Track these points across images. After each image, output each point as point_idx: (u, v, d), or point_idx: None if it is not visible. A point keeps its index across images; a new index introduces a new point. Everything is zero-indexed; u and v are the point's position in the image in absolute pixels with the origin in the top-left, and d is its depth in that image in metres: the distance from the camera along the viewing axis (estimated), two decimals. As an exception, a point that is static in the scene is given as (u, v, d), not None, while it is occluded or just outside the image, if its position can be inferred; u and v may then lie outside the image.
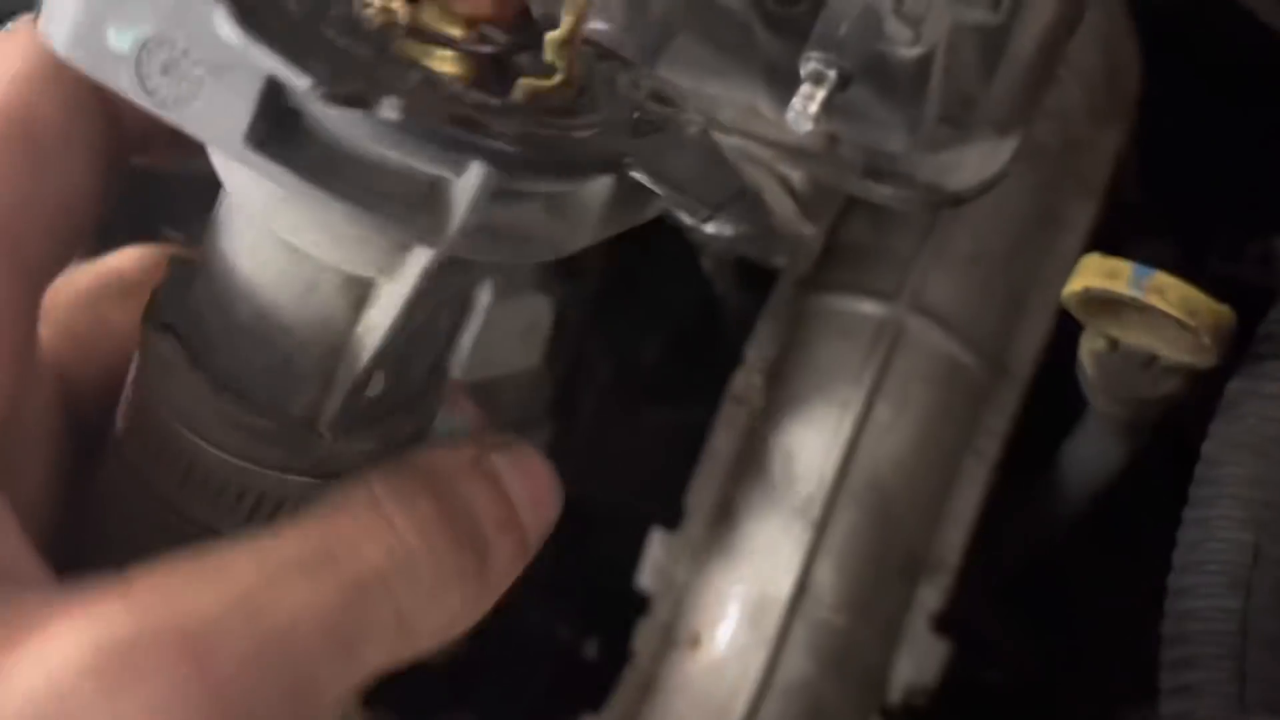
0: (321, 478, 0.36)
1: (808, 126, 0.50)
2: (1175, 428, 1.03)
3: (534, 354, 0.78)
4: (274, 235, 0.33)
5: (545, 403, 0.94)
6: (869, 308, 0.81)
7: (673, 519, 0.88)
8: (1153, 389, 0.57)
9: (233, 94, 0.29)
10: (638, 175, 0.33)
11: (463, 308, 0.40)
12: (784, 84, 0.60)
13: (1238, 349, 1.11)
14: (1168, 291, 0.49)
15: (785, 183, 0.69)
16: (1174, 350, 0.53)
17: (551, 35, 0.33)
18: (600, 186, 0.33)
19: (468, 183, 0.30)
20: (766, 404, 0.85)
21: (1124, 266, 0.51)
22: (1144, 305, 0.50)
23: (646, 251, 0.98)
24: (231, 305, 0.35)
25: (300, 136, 0.30)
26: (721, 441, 0.88)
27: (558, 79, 0.33)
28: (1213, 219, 1.33)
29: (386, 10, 0.31)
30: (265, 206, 0.33)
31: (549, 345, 0.88)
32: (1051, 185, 0.87)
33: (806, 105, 0.49)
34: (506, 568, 0.38)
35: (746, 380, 0.88)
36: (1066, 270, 0.89)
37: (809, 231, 0.71)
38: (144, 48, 0.29)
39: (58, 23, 0.30)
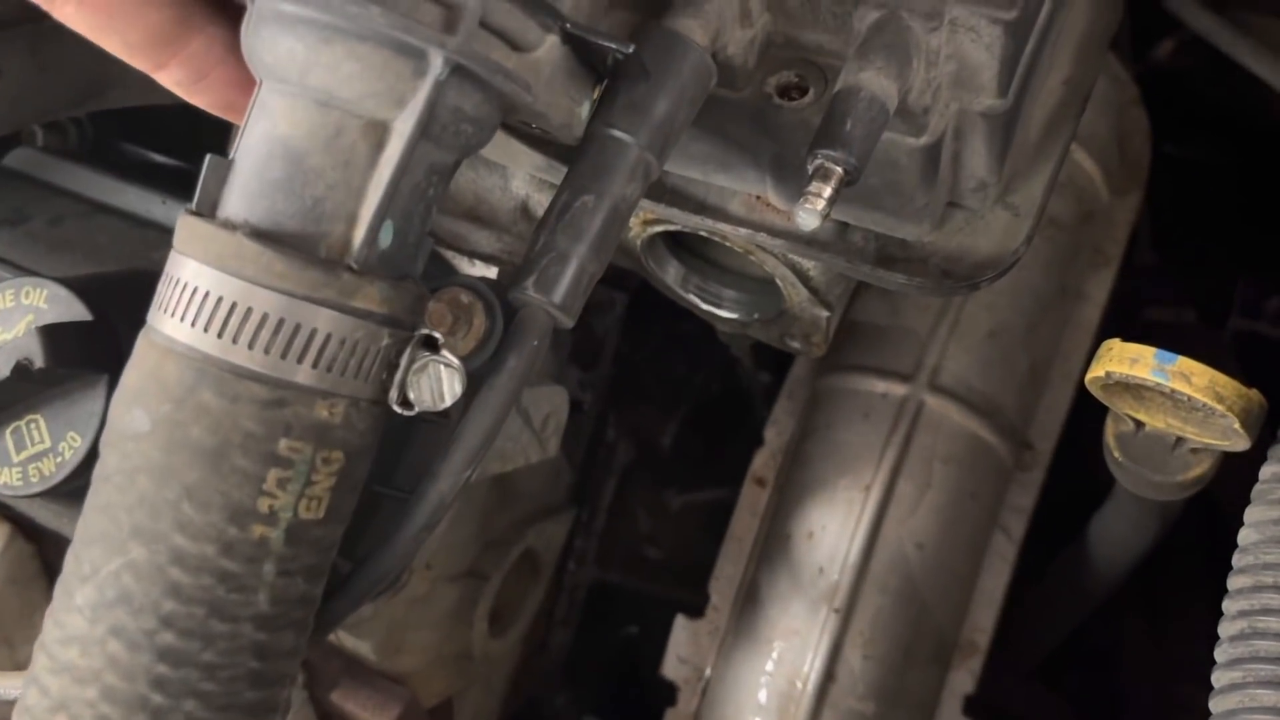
0: (345, 314, 0.43)
1: (815, 223, 0.49)
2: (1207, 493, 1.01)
3: (552, 445, 0.77)
4: (307, 94, 0.42)
5: (566, 490, 0.93)
6: (887, 388, 0.80)
7: (698, 604, 0.87)
8: (1182, 471, 0.56)
9: None
10: (579, 32, 0.46)
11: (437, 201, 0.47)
12: (792, 175, 0.59)
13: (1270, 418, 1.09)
14: (1194, 377, 0.48)
15: (798, 269, 0.69)
16: (1202, 434, 0.52)
17: None
18: (550, 47, 0.46)
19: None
20: (788, 486, 0.84)
21: (1147, 352, 0.50)
22: (1170, 391, 0.49)
23: (662, 334, 0.98)
24: (268, 166, 0.43)
25: None
26: (743, 525, 0.87)
27: None
28: (1231, 276, 1.32)
29: None
30: (306, 59, 0.42)
31: (567, 433, 0.87)
32: (1068, 258, 0.86)
33: (814, 202, 0.49)
34: None
35: (767, 462, 0.87)
36: (1086, 341, 0.89)
37: (823, 316, 0.71)
38: None
39: None
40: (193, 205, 0.44)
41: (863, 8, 0.52)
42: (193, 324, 0.42)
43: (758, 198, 0.65)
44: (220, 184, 0.44)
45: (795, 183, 0.58)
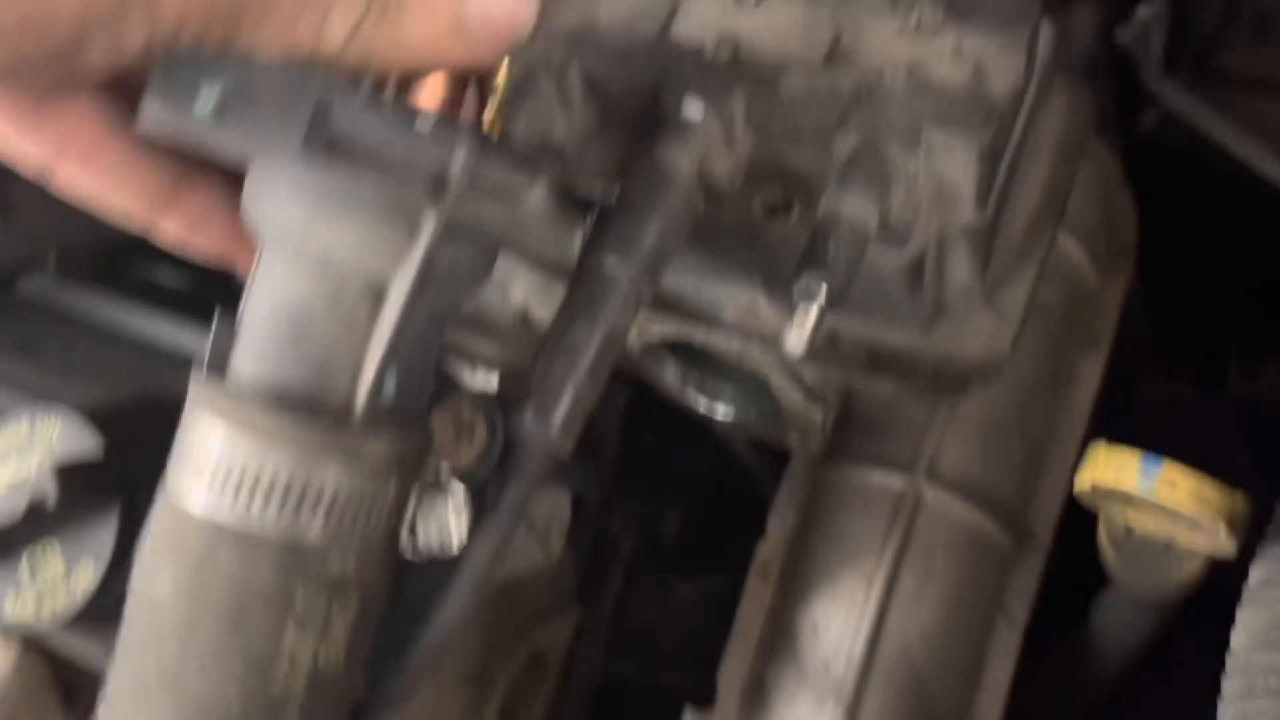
0: (353, 466, 0.44)
1: (803, 349, 0.51)
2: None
3: (555, 548, 0.78)
4: (307, 259, 0.45)
5: (571, 587, 0.94)
6: (886, 479, 0.81)
7: (705, 696, 0.87)
8: (1175, 573, 0.57)
9: (292, 117, 0.41)
10: (564, 178, 0.50)
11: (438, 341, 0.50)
12: (782, 284, 0.61)
13: (1265, 474, 1.10)
14: (1178, 485, 0.50)
15: (790, 370, 0.70)
16: (1191, 537, 0.53)
17: (487, 113, 0.49)
18: (538, 197, 0.47)
19: (458, 161, 0.43)
20: (792, 579, 0.85)
21: (1131, 459, 0.51)
22: (1155, 500, 0.50)
23: (664, 422, 0.99)
24: (273, 328, 0.45)
25: (339, 146, 0.42)
26: (749, 618, 0.87)
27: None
28: (1227, 344, 1.33)
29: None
30: (305, 226, 0.44)
31: (570, 530, 0.88)
32: (1060, 343, 0.87)
33: (800, 329, 0.51)
34: (423, 41, 0.43)
35: (769, 554, 0.88)
36: (1081, 424, 0.90)
37: (818, 415, 0.72)
38: (223, 101, 0.41)
39: (154, 100, 0.42)
40: (204, 364, 0.46)
41: (842, 133, 0.54)
42: (208, 487, 0.43)
43: (750, 307, 0.67)
44: (229, 344, 0.46)
45: (785, 293, 0.60)
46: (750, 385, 0.77)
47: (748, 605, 0.87)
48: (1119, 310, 0.96)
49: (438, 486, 0.48)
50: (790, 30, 0.59)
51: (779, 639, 0.83)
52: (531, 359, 0.51)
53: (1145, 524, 0.54)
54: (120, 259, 0.77)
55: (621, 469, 0.99)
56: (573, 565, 0.92)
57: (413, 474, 0.48)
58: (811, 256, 0.51)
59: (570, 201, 0.50)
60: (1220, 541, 0.51)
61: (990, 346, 0.62)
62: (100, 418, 0.59)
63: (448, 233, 0.45)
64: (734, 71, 0.57)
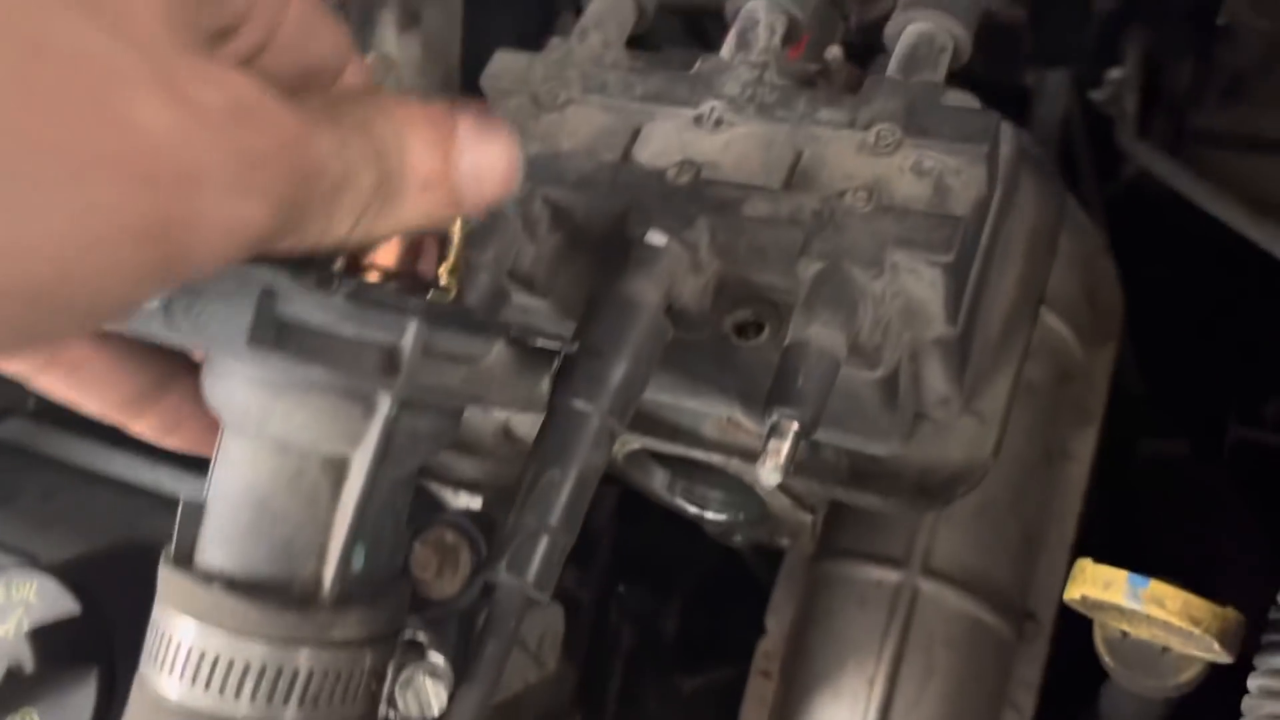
0: (325, 648, 0.44)
1: (777, 480, 0.50)
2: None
3: (550, 661, 0.77)
4: (267, 440, 0.44)
5: (570, 692, 0.92)
6: (881, 574, 0.80)
7: (713, 797, 0.86)
8: (1173, 675, 0.56)
9: (238, 309, 0.40)
10: (521, 335, 0.47)
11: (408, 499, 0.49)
12: (758, 402, 0.61)
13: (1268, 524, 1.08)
14: (1167, 601, 0.49)
15: (777, 478, 0.70)
16: (1185, 647, 0.52)
17: (444, 266, 0.47)
18: (498, 353, 0.46)
19: (408, 337, 0.42)
20: (793, 679, 0.84)
21: (1119, 576, 0.50)
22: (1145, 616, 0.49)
23: (657, 514, 0.98)
24: (237, 511, 0.44)
25: (287, 334, 0.41)
26: (752, 717, 0.86)
27: (451, 295, 0.47)
28: (1223, 390, 1.32)
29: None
30: (260, 410, 0.43)
31: (566, 636, 0.87)
32: (1049, 421, 0.87)
33: (773, 460, 0.50)
34: (420, 215, 0.42)
35: (770, 651, 0.86)
36: (1077, 502, 0.89)
37: (806, 520, 0.71)
38: (171, 297, 0.40)
39: None
40: (171, 551, 0.45)
41: (805, 259, 0.53)
42: (180, 677, 0.43)
43: (729, 419, 0.67)
44: (195, 529, 0.45)
45: (762, 410, 0.59)
46: (738, 490, 0.76)
47: (751, 704, 0.86)
48: (1108, 380, 0.95)
49: (415, 654, 0.48)
50: (750, 151, 0.58)
51: (783, 740, 0.82)
52: (506, 512, 0.51)
53: (1139, 630, 0.53)
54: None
55: (618, 562, 0.98)
56: (571, 672, 0.90)
57: (387, 647, 0.47)
58: (781, 391, 0.51)
59: (533, 350, 0.50)
60: (1215, 652, 0.51)
61: (973, 452, 0.62)
62: (77, 576, 0.59)
63: (405, 406, 0.44)
64: (696, 196, 0.57)
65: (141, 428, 0.50)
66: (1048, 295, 0.90)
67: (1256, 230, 0.94)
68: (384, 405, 0.44)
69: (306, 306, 0.41)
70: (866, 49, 0.70)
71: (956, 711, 0.78)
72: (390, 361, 0.43)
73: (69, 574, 0.60)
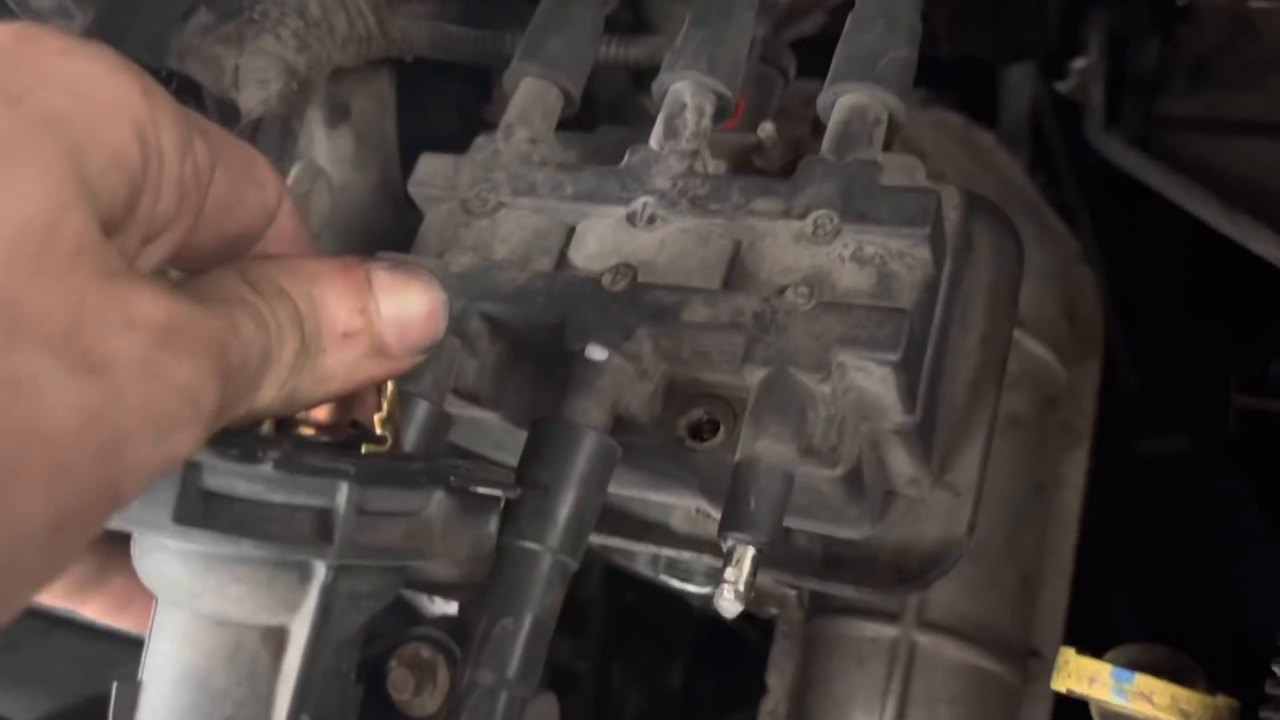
0: None
1: (738, 609, 0.48)
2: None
3: (548, 752, 0.76)
4: (200, 615, 0.43)
5: (577, 767, 0.91)
6: (877, 631, 0.78)
7: None
8: (1172, 748, 0.54)
9: (160, 486, 0.39)
10: (461, 484, 0.45)
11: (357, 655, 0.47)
12: (720, 491, 0.59)
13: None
14: (1155, 696, 0.47)
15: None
16: (1181, 725, 0.50)
17: (379, 415, 0.46)
18: (438, 503, 0.44)
19: (340, 500, 0.41)
20: (797, 741, 0.82)
21: (1103, 670, 0.48)
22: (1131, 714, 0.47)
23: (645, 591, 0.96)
24: (175, 691, 0.43)
25: (214, 506, 0.40)
26: (762, 780, 0.84)
27: (388, 444, 0.46)
28: (1220, 367, 1.30)
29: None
30: (192, 585, 0.42)
31: (568, 707, 0.86)
32: (1037, 452, 0.85)
33: (732, 588, 0.48)
34: (345, 370, 0.41)
35: (773, 710, 0.85)
36: (1073, 528, 0.87)
37: (791, 594, 0.70)
38: None
39: None
40: None
41: (750, 365, 0.51)
42: None
43: (697, 510, 0.65)
44: (131, 713, 0.44)
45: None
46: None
47: (759, 765, 0.84)
48: (1096, 394, 0.93)
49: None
50: (686, 249, 0.56)
51: (794, 804, 0.80)
52: (460, 665, 0.49)
53: (1135, 710, 0.51)
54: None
55: (615, 627, 0.96)
56: (575, 748, 0.89)
57: None
58: (733, 515, 0.49)
59: (478, 496, 0.48)
60: (1211, 735, 0.49)
61: (948, 527, 0.60)
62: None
63: (343, 570, 0.43)
64: (634, 303, 0.54)
65: (91, 610, 0.49)
66: (1024, 319, 0.88)
67: (1230, 224, 0.92)
68: (320, 572, 0.42)
69: (232, 478, 0.40)
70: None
71: (965, 766, 0.76)
72: (323, 527, 0.41)
73: (37, 744, 0.58)
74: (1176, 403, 1.23)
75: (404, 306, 0.43)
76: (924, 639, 0.77)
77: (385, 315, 0.43)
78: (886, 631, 0.78)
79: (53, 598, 0.48)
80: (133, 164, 0.35)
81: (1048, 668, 0.82)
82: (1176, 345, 1.28)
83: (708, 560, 0.64)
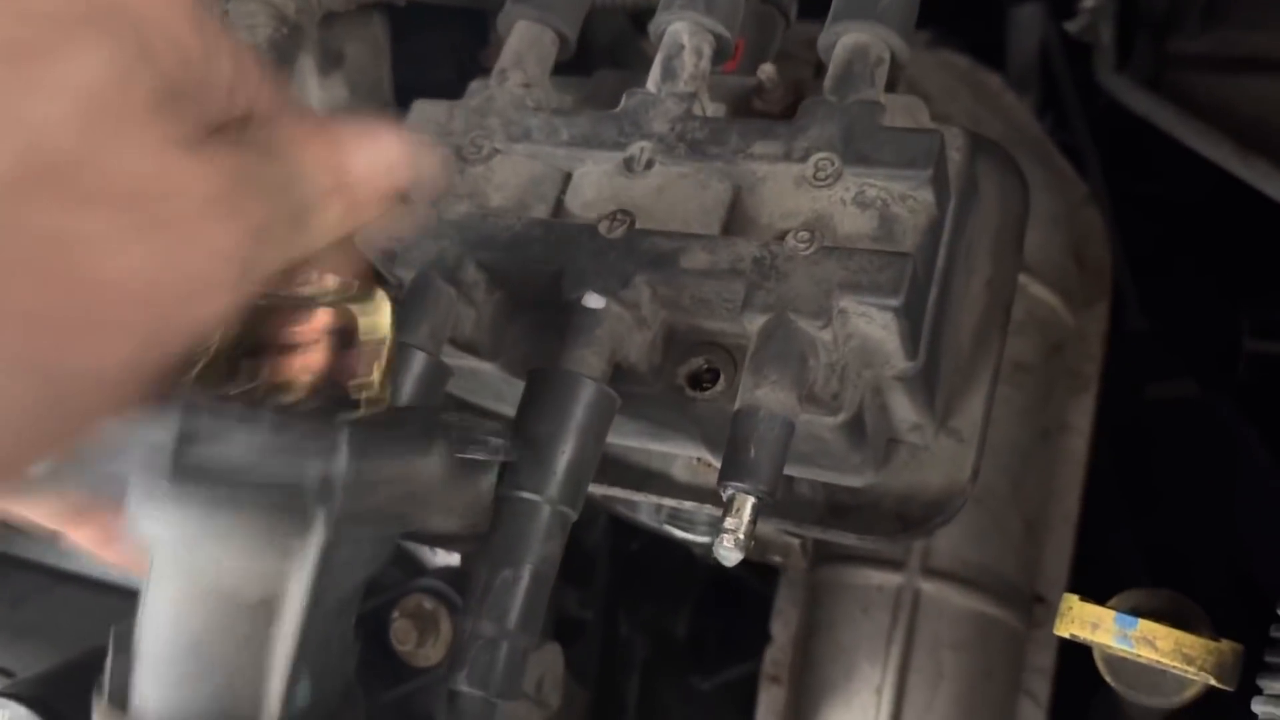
0: None
1: (738, 557, 0.48)
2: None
3: (553, 700, 0.76)
4: (196, 578, 0.42)
5: (583, 714, 0.92)
6: (882, 578, 0.78)
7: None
8: (1174, 695, 0.53)
9: (156, 453, 0.39)
10: (458, 450, 0.45)
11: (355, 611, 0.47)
12: (721, 440, 0.58)
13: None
14: (1159, 642, 0.46)
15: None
16: (1186, 672, 0.50)
17: (375, 374, 0.44)
18: (434, 460, 0.44)
19: (336, 463, 0.41)
20: (801, 689, 0.82)
21: (1107, 616, 0.48)
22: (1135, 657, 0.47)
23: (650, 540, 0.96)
24: (169, 655, 0.43)
25: (210, 469, 0.40)
26: (767, 725, 0.84)
27: (384, 404, 0.44)
28: (1227, 313, 1.28)
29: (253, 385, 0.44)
30: (187, 551, 0.42)
31: (575, 655, 0.86)
32: (1043, 398, 0.84)
33: (732, 536, 0.48)
34: (329, 226, 0.42)
35: (778, 658, 0.85)
36: (1079, 474, 0.86)
37: (795, 543, 0.69)
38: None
39: None
40: (103, 695, 0.43)
41: (749, 311, 0.51)
42: None
43: (698, 459, 0.64)
44: (127, 672, 0.43)
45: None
46: (723, 512, 0.74)
47: (763, 712, 0.84)
48: (1103, 339, 0.92)
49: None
50: (685, 194, 0.55)
51: (798, 751, 0.81)
52: (461, 616, 0.49)
53: (1140, 657, 0.51)
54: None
55: (620, 576, 0.96)
56: (580, 696, 0.89)
57: None
58: (733, 464, 0.48)
59: (473, 454, 0.47)
60: (1213, 684, 0.48)
61: (952, 474, 0.59)
62: (50, 696, 0.58)
63: (337, 534, 0.42)
64: (632, 250, 0.54)
65: (81, 537, 0.49)
66: (1031, 264, 0.86)
67: (1243, 166, 0.90)
68: (316, 536, 0.42)
69: (229, 437, 0.39)
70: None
71: (970, 711, 0.76)
72: (321, 490, 0.40)
73: (41, 696, 0.58)
74: (1185, 348, 1.22)
75: (374, 154, 0.43)
76: (928, 586, 0.77)
77: (358, 166, 0.43)
78: (891, 579, 0.78)
79: (50, 516, 0.47)
80: (191, 47, 0.37)
81: (1053, 613, 0.81)
82: (1185, 290, 1.27)
83: (710, 509, 0.63)
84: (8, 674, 0.65)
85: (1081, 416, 0.86)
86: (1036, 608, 0.81)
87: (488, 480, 0.48)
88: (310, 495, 0.41)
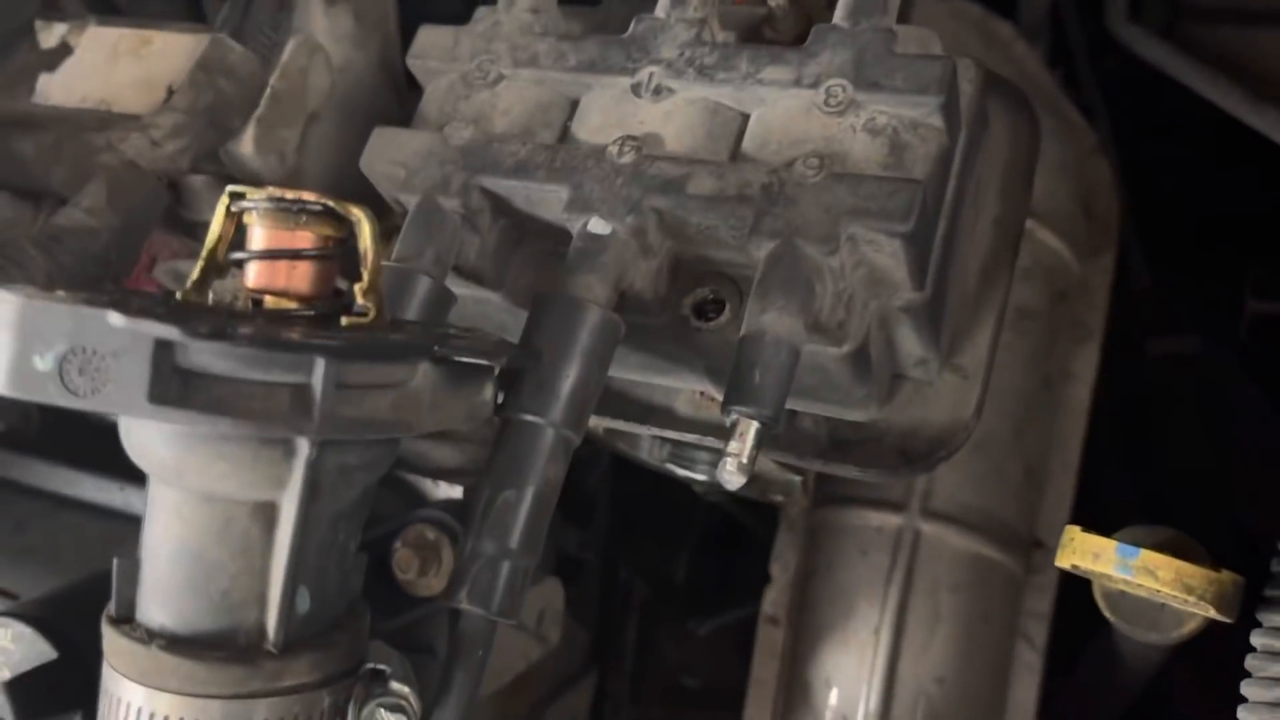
0: (279, 696, 0.43)
1: (741, 481, 0.48)
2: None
3: (553, 635, 0.76)
4: (189, 491, 0.42)
5: (583, 653, 0.92)
6: (881, 520, 0.78)
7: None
8: (1173, 629, 0.54)
9: (133, 366, 0.38)
10: (447, 354, 0.43)
11: (358, 525, 0.47)
12: (725, 372, 0.58)
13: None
14: (1159, 571, 0.46)
15: (760, 443, 0.67)
16: (1185, 604, 0.50)
17: (359, 286, 0.44)
18: (425, 373, 0.43)
19: (317, 376, 0.40)
20: (800, 629, 0.83)
21: (1108, 546, 0.48)
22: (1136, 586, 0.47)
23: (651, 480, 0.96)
24: (171, 566, 0.43)
25: (190, 385, 0.39)
26: (764, 666, 0.85)
27: (371, 315, 0.44)
28: (1232, 270, 1.28)
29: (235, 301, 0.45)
30: (177, 463, 0.42)
31: (575, 595, 0.86)
32: (1047, 345, 0.84)
33: (735, 460, 0.47)
34: None
35: (776, 599, 0.85)
36: (1081, 422, 0.86)
37: (795, 480, 0.69)
38: (63, 360, 0.38)
39: None
40: (111, 610, 0.44)
41: (757, 238, 0.50)
42: None
43: (701, 393, 0.64)
44: (132, 586, 0.44)
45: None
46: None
47: (761, 653, 0.85)
48: (1109, 289, 0.91)
49: (379, 684, 0.46)
50: (693, 120, 0.55)
51: (795, 693, 0.81)
52: (462, 536, 0.49)
53: (1137, 590, 0.51)
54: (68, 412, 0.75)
55: (621, 519, 0.96)
56: (581, 635, 0.90)
57: (346, 683, 0.45)
58: (738, 389, 0.48)
59: (467, 366, 0.47)
60: (1213, 615, 0.48)
61: (956, 411, 0.59)
62: (53, 617, 0.58)
63: (327, 444, 0.42)
64: (639, 176, 0.53)
65: None
66: (1039, 210, 0.86)
67: (1256, 116, 0.89)
68: (303, 448, 0.42)
69: (207, 355, 0.39)
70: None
71: (966, 653, 0.76)
72: (303, 402, 0.40)
73: (44, 617, 0.59)
74: (1189, 305, 1.21)
75: None
76: (928, 528, 0.77)
77: None
78: (891, 520, 0.78)
79: None
80: None
81: (1051, 559, 0.82)
82: (1191, 247, 1.26)
83: (711, 443, 0.63)
84: (10, 596, 0.65)
85: (1085, 365, 0.86)
86: (1035, 553, 0.82)
87: (486, 390, 0.48)
88: (291, 410, 0.40)
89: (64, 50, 0.69)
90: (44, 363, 0.39)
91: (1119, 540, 0.48)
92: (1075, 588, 0.84)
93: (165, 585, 0.43)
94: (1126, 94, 1.20)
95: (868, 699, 0.76)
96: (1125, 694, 0.79)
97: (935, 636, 0.76)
